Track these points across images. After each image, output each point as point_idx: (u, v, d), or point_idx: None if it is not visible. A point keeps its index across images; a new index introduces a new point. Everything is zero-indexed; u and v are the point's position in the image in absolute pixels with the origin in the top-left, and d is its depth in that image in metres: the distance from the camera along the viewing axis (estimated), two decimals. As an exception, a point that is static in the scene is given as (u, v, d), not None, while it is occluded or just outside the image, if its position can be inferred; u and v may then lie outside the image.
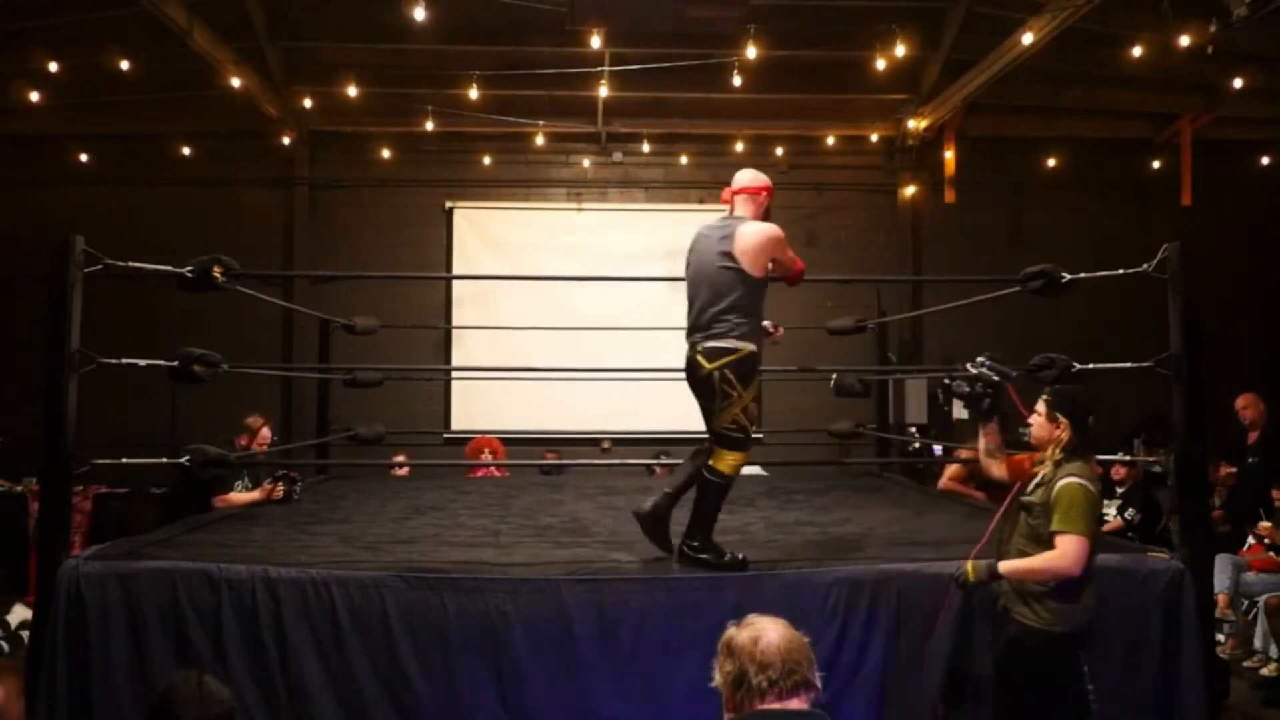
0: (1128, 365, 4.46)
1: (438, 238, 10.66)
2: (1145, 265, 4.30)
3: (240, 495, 5.74)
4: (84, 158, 10.31)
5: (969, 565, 3.56)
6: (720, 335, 3.89)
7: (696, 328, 3.98)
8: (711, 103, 10.11)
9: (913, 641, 3.84)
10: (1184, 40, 7.66)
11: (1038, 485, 3.57)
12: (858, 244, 10.66)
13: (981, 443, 3.89)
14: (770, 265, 4.02)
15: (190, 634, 3.72)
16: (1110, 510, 6.74)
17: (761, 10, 8.33)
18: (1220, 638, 6.24)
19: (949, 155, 10.54)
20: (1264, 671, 5.98)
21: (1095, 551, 3.53)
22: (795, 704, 2.15)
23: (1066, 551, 3.39)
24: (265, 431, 6.33)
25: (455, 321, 10.37)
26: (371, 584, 3.76)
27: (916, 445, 9.14)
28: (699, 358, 3.93)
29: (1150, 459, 6.69)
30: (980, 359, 3.91)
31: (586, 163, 10.82)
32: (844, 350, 8.76)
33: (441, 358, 10.43)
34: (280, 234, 10.55)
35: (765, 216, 4.11)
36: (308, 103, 9.86)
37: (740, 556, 3.93)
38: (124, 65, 8.60)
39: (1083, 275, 4.83)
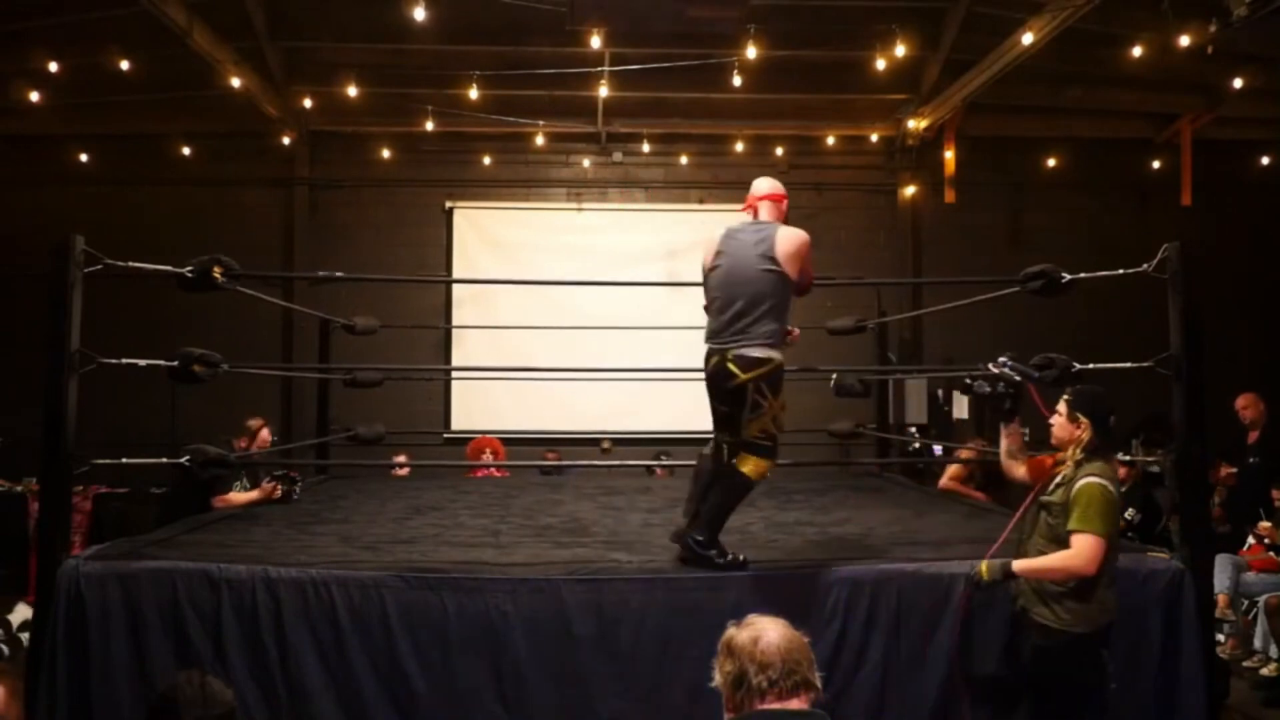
0: (1128, 365, 4.46)
1: (438, 238, 10.66)
2: (1145, 265, 4.30)
3: (240, 495, 5.73)
4: (84, 158, 10.32)
5: (983, 565, 3.56)
6: (754, 343, 3.78)
7: (728, 332, 3.83)
8: (711, 103, 10.11)
9: (913, 641, 3.84)
10: (1184, 40, 7.67)
11: (1058, 485, 3.56)
12: (858, 244, 10.66)
13: (1003, 444, 3.87)
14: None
15: (190, 634, 3.72)
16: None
17: (761, 10, 8.33)
18: (1220, 638, 6.24)
19: (949, 155, 10.54)
20: (1264, 671, 5.98)
21: (1115, 552, 3.50)
22: (795, 704, 2.15)
23: (1081, 551, 3.37)
24: (265, 434, 6.34)
25: (455, 321, 10.37)
26: (371, 584, 3.76)
27: (916, 445, 9.14)
28: (730, 366, 3.79)
29: (1149, 459, 6.68)
30: (1002, 359, 3.90)
31: (586, 163, 10.82)
32: (844, 350, 8.76)
33: (441, 358, 10.43)
34: (280, 234, 10.55)
35: (785, 223, 4.09)
36: (308, 103, 9.86)
37: (740, 557, 3.92)
38: (124, 65, 8.60)
39: (1083, 275, 4.83)
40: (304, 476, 6.20)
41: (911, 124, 10.30)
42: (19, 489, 8.39)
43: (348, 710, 3.70)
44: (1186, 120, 10.35)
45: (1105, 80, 9.72)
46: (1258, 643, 6.17)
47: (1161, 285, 4.23)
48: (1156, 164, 10.63)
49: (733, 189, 10.81)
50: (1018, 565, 3.51)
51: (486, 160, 10.66)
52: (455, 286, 10.59)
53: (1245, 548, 6.64)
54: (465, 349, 10.46)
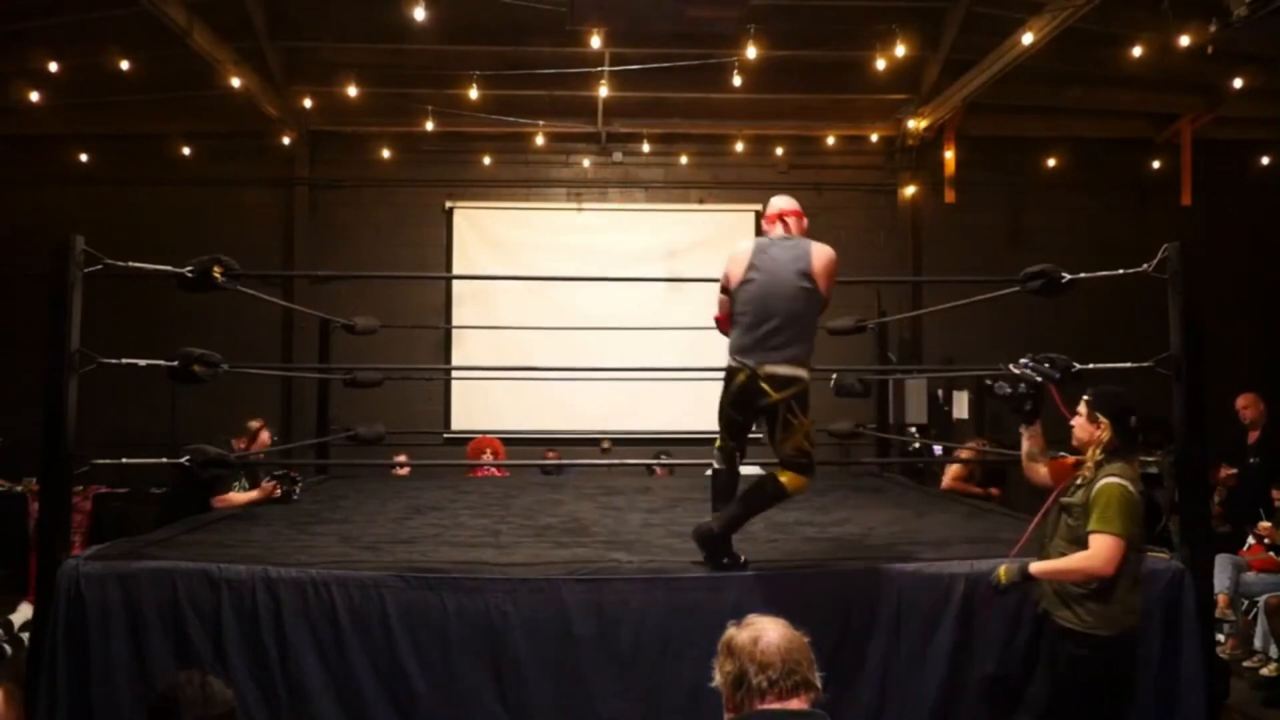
0: (1128, 365, 4.45)
1: (438, 238, 10.66)
2: (1145, 265, 4.30)
3: (239, 495, 5.74)
4: (84, 158, 10.31)
5: (1002, 568, 3.54)
6: (789, 361, 3.76)
7: (760, 349, 3.78)
8: (711, 103, 10.11)
9: (913, 641, 3.84)
10: (1184, 40, 7.66)
11: (1078, 486, 3.53)
12: (858, 244, 10.64)
13: (1024, 445, 3.85)
14: None
15: (190, 634, 3.72)
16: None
17: (761, 10, 8.33)
18: (1220, 638, 6.24)
19: (949, 155, 10.54)
20: (1264, 671, 5.98)
21: (1137, 554, 3.47)
22: (795, 704, 2.15)
23: (1100, 551, 3.34)
24: (265, 436, 6.33)
25: (455, 321, 10.37)
26: (371, 584, 3.77)
27: (916, 445, 9.14)
28: (764, 384, 3.75)
29: (1148, 459, 6.67)
30: (1023, 360, 3.89)
31: (586, 163, 10.82)
32: (844, 350, 8.76)
33: (441, 358, 10.43)
34: (280, 234, 10.55)
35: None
36: (308, 103, 9.86)
37: (741, 557, 3.92)
38: (124, 65, 8.59)
39: (1083, 275, 4.83)
40: (304, 476, 6.20)
41: (911, 124, 10.30)
42: (19, 489, 8.39)
43: (348, 710, 3.70)
44: (1186, 120, 10.34)
45: (1105, 80, 9.72)
46: (1258, 643, 6.17)
47: (1161, 285, 4.23)
48: (1156, 164, 10.63)
49: (733, 189, 10.84)
50: (1035, 567, 3.49)
51: (486, 160, 10.66)
52: (455, 286, 10.58)
53: (1245, 548, 6.64)
54: (465, 349, 10.46)
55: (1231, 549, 6.60)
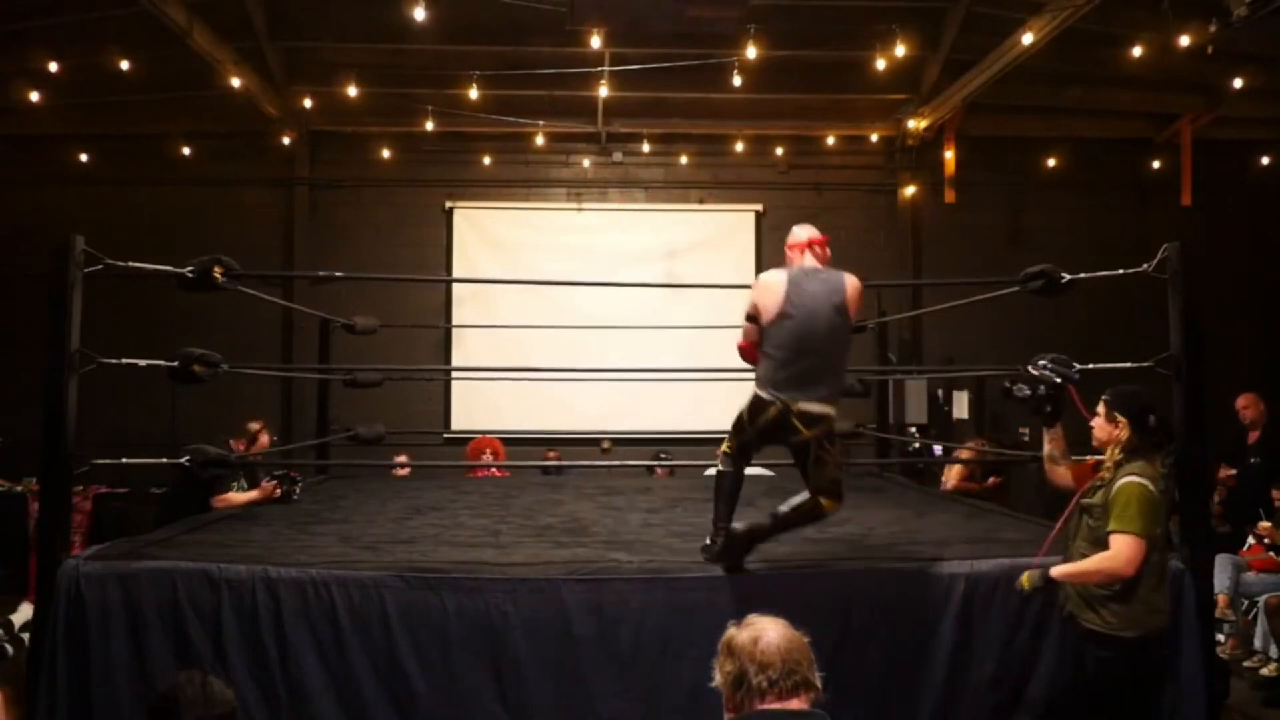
0: (1128, 365, 4.45)
1: (438, 238, 10.66)
2: (1145, 265, 4.30)
3: (239, 495, 5.74)
4: (84, 158, 10.31)
5: (1025, 575, 3.53)
6: (822, 400, 3.75)
7: (796, 385, 3.73)
8: (711, 103, 10.11)
9: (913, 642, 3.84)
10: (1184, 40, 7.66)
11: (1098, 487, 3.52)
12: (858, 244, 10.63)
13: (1045, 447, 3.83)
14: None
15: (190, 634, 3.72)
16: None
17: (761, 10, 8.33)
18: (1220, 638, 6.23)
19: (949, 155, 10.54)
20: (1264, 671, 5.98)
21: (1160, 553, 3.46)
22: (795, 704, 2.15)
23: (1120, 552, 3.32)
24: (264, 437, 6.33)
25: (455, 321, 10.37)
26: (371, 584, 3.77)
27: (916, 445, 9.14)
28: (796, 421, 3.72)
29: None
30: (1042, 361, 3.88)
31: (586, 163, 10.82)
32: (844, 350, 8.74)
33: (441, 358, 10.43)
34: (280, 234, 10.55)
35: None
36: (308, 103, 9.86)
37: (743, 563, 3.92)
38: (124, 65, 8.59)
39: (1083, 275, 4.83)
40: (304, 476, 6.20)
41: (911, 124, 10.30)
42: (19, 489, 8.39)
43: (348, 710, 3.70)
44: (1186, 120, 10.34)
45: (1105, 80, 9.72)
46: (1258, 643, 6.17)
47: (1161, 285, 4.23)
48: (1156, 164, 10.62)
49: (733, 189, 10.84)
50: (1056, 571, 3.47)
51: (486, 160, 10.65)
52: (455, 286, 10.59)
53: (1245, 548, 6.64)
54: (465, 349, 10.45)
55: (1231, 549, 6.60)
